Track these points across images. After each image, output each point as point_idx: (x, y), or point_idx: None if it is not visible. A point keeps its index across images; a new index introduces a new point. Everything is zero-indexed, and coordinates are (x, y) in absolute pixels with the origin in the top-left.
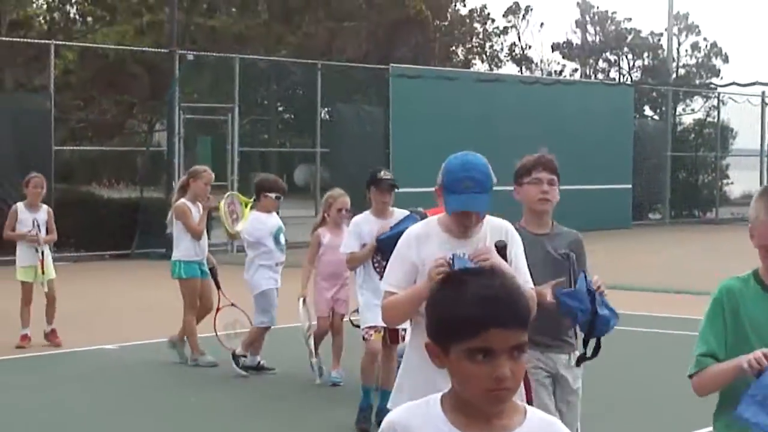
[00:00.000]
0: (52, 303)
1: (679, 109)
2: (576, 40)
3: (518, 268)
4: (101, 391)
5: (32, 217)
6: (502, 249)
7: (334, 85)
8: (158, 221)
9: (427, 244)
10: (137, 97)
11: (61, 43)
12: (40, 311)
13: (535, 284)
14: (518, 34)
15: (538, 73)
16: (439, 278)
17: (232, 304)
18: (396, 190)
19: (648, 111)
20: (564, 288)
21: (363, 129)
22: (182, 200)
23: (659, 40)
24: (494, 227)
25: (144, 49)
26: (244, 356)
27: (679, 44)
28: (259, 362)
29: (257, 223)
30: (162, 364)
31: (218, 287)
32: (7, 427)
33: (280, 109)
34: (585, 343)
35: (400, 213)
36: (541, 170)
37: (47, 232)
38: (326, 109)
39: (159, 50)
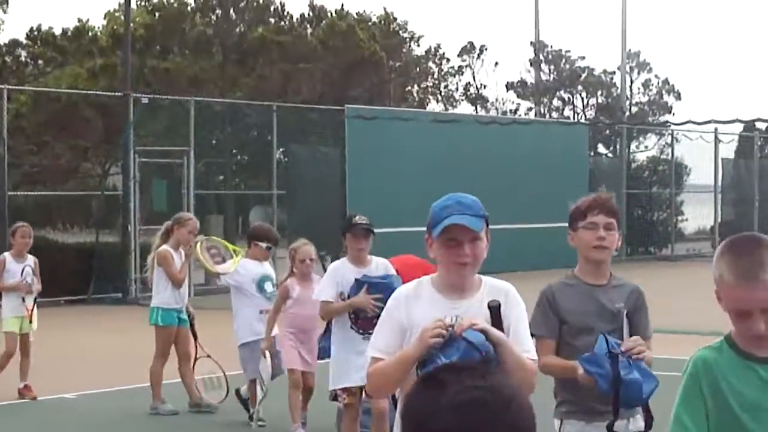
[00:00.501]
0: (28, 356)
1: (633, 146)
2: (530, 79)
3: (518, 335)
4: None
5: (20, 267)
6: (495, 309)
7: (289, 127)
8: (114, 266)
9: (417, 304)
10: (91, 140)
11: (12, 87)
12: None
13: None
14: (473, 73)
15: (493, 112)
16: (421, 375)
17: (208, 356)
18: (372, 236)
19: (602, 149)
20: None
21: (319, 170)
22: (164, 246)
23: (612, 78)
24: (493, 288)
25: (97, 92)
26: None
27: (632, 82)
28: (251, 413)
29: (241, 268)
30: (121, 412)
31: (195, 337)
32: None
33: (235, 151)
34: (615, 412)
35: (378, 261)
36: (597, 213)
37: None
38: (281, 150)
39: (113, 93)
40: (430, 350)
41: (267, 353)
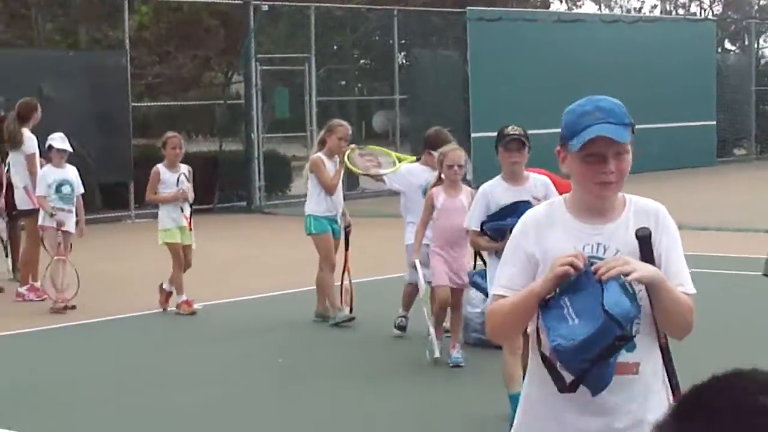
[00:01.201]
0: (188, 268)
1: (762, 41)
2: None
3: (670, 266)
4: (185, 350)
5: (175, 177)
6: (645, 239)
7: (410, 31)
8: (238, 174)
9: (551, 231)
10: (213, 50)
11: None
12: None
13: None
14: None
15: (617, 11)
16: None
17: (345, 270)
18: (527, 149)
19: (729, 45)
20: None
21: (441, 74)
22: (318, 153)
23: None
24: (640, 209)
25: (218, 1)
26: (403, 316)
27: None
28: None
29: (407, 173)
30: (251, 321)
31: (347, 247)
32: (133, 382)
33: (357, 56)
34: None
35: (538, 180)
36: None
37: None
38: (403, 54)
39: (233, 2)
40: (556, 284)
41: (419, 266)
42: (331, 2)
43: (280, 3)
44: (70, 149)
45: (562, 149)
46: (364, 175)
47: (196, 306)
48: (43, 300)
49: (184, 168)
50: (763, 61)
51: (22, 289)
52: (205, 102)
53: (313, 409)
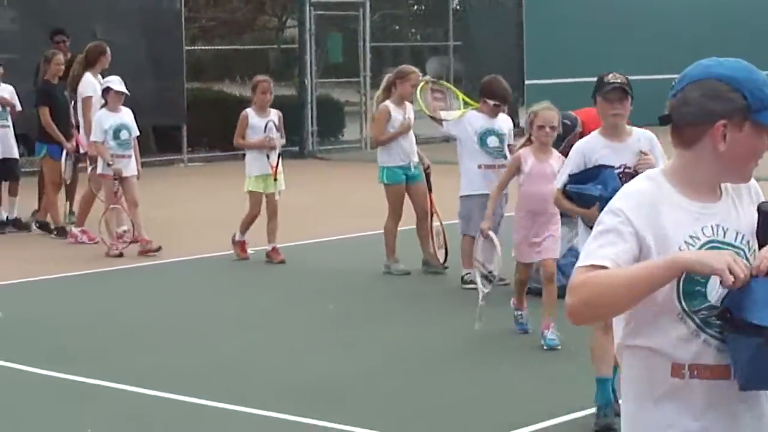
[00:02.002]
0: (275, 217)
1: None
2: None
3: None
4: (236, 295)
5: (263, 122)
6: (766, 214)
7: None
8: (291, 119)
9: (663, 211)
10: None
11: None
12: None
13: None
14: None
15: None
16: None
17: (433, 212)
18: (630, 99)
19: None
20: None
21: (495, 20)
22: (385, 102)
23: None
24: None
25: None
26: (468, 272)
27: None
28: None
29: (466, 120)
30: (309, 266)
31: (429, 190)
32: (198, 324)
33: (411, 1)
34: None
35: (642, 135)
36: None
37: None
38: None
39: None
40: (677, 275)
41: (494, 237)
42: None
43: None
44: (127, 92)
45: (724, 125)
46: (429, 116)
47: (249, 251)
48: (96, 243)
49: (274, 114)
50: None
51: (76, 230)
52: (259, 46)
53: (366, 355)
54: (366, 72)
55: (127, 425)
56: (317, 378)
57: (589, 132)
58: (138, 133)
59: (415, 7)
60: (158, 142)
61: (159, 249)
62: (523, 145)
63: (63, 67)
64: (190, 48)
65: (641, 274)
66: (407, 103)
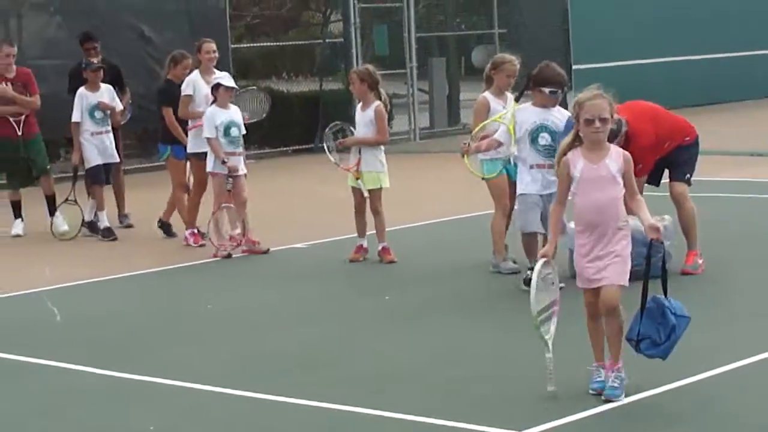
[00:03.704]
0: (377, 215)
1: None
2: None
3: None
4: (295, 289)
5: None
6: None
7: None
8: (339, 113)
9: None
10: None
11: None
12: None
13: None
14: None
15: None
16: None
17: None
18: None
19: None
20: None
21: (541, 7)
22: (485, 93)
23: None
24: None
25: None
26: (530, 268)
27: None
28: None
29: (518, 116)
30: (351, 262)
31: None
32: (205, 325)
33: None
34: None
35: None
36: None
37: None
38: None
39: None
40: None
41: (554, 269)
42: None
43: None
44: (237, 88)
45: None
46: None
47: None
48: (202, 246)
49: (371, 109)
50: None
51: (187, 233)
52: (305, 42)
53: (421, 345)
54: (412, 63)
55: (188, 422)
56: (377, 368)
57: (638, 132)
58: (245, 132)
59: None
60: None
61: (267, 251)
62: (571, 146)
63: (188, 72)
64: (236, 46)
65: None
66: (507, 93)
